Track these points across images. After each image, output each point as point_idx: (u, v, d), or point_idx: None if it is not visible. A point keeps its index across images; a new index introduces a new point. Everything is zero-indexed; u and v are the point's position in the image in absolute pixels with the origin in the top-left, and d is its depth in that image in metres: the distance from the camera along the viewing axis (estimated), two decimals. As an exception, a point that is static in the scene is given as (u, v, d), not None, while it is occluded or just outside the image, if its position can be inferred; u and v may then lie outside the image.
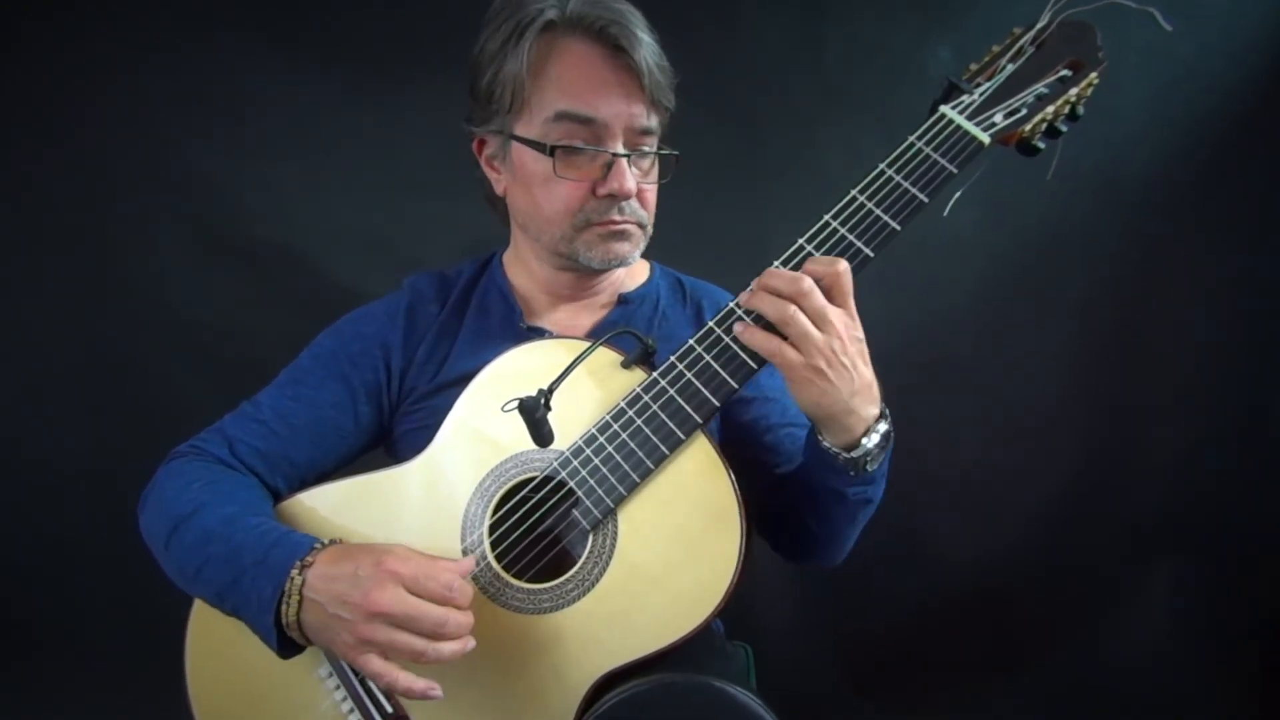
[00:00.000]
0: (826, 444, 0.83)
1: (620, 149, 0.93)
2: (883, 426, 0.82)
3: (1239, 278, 1.93)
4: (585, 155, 0.93)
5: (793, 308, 0.76)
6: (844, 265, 0.78)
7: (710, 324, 0.83)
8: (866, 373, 0.79)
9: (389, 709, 0.84)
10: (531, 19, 0.90)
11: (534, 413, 0.71)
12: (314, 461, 0.98)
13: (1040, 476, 2.02)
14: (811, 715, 1.86)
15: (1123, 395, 2.00)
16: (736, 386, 0.81)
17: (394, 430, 1.02)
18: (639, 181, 0.95)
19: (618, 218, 0.95)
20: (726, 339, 0.82)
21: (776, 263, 0.82)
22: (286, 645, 0.79)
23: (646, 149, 0.96)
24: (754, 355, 0.80)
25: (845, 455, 0.82)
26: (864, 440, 0.81)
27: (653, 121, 0.94)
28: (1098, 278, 1.96)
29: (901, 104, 1.86)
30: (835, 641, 2.01)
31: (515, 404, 0.73)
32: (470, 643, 0.74)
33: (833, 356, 0.76)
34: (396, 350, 1.01)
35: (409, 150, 1.90)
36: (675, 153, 0.99)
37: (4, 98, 1.89)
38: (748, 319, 0.80)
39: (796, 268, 0.81)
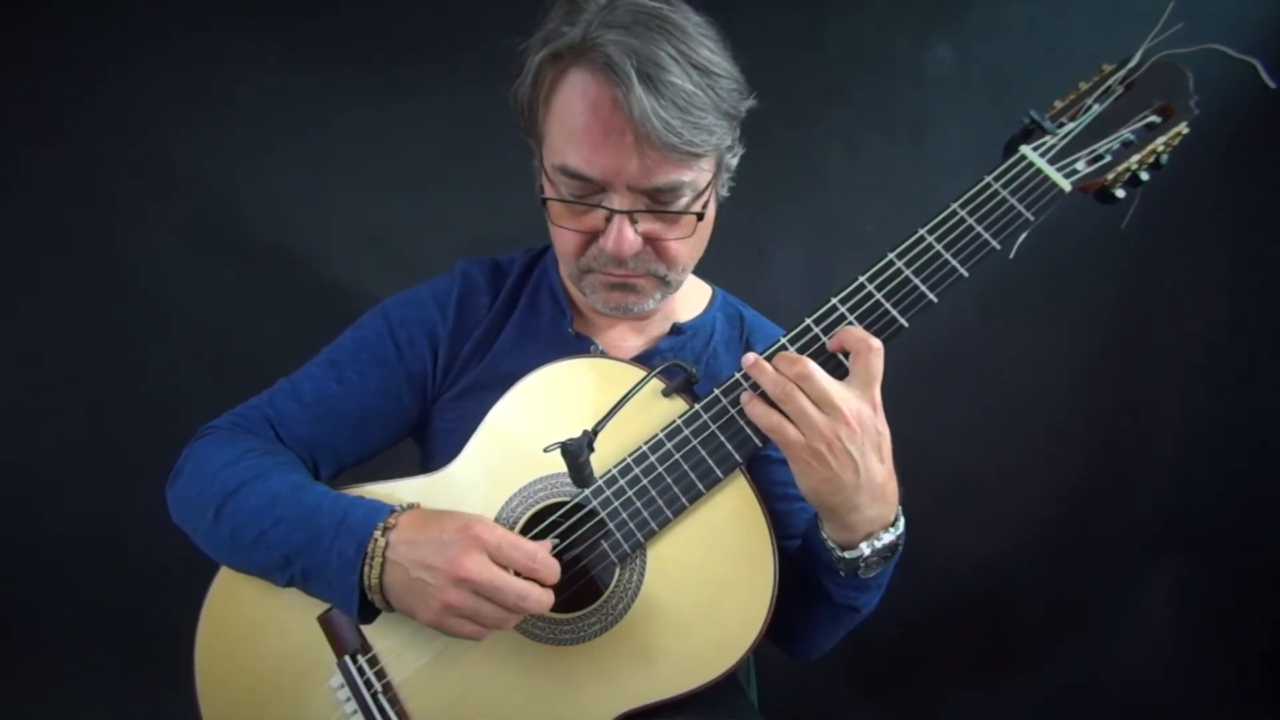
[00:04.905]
0: (824, 534, 0.78)
1: (620, 205, 0.81)
2: (888, 536, 0.76)
3: (1239, 279, 1.91)
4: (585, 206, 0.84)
5: (791, 385, 0.71)
6: (876, 344, 0.72)
7: (716, 392, 0.79)
8: (879, 470, 0.72)
9: (400, 725, 0.82)
10: (550, 39, 0.80)
11: (577, 457, 0.68)
12: (355, 449, 0.97)
13: (1042, 477, 2.01)
14: (813, 715, 1.87)
15: (1124, 396, 1.98)
16: (760, 445, 0.77)
17: (429, 423, 0.99)
18: (659, 236, 0.85)
19: (617, 271, 0.87)
20: (732, 411, 0.78)
21: (808, 319, 0.78)
22: (366, 608, 0.77)
23: (661, 206, 0.83)
24: (757, 430, 0.76)
25: (839, 554, 0.77)
26: (863, 544, 0.76)
27: (665, 179, 0.80)
28: (1098, 278, 1.94)
29: (901, 104, 1.85)
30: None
31: (558, 447, 0.69)
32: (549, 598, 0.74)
33: (835, 441, 0.70)
34: (444, 342, 0.97)
35: (409, 150, 1.88)
36: (696, 212, 0.85)
37: (3, 97, 1.86)
38: (754, 391, 0.76)
39: (829, 328, 0.77)
